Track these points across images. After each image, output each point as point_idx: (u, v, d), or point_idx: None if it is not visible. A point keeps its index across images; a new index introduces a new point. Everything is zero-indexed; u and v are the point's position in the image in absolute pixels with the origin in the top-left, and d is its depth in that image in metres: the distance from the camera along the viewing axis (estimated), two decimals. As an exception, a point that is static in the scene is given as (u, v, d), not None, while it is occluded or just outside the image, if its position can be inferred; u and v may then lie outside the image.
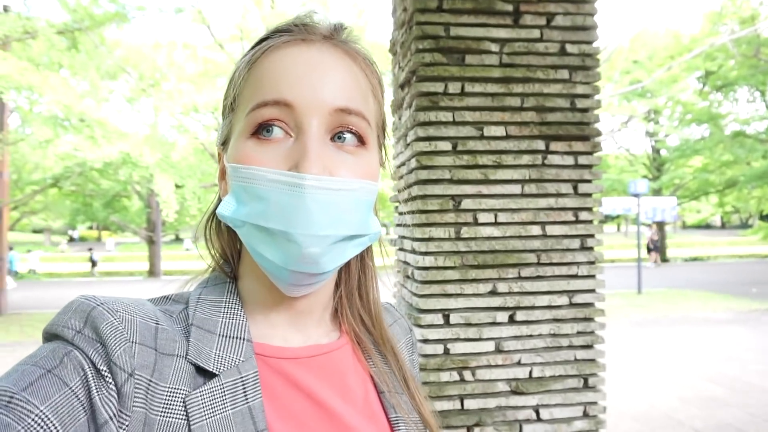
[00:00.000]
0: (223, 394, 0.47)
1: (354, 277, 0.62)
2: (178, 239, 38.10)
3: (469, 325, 2.03)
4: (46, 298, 13.27)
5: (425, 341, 2.02)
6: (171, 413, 0.45)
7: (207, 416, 0.46)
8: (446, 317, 2.03)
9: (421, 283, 2.03)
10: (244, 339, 0.51)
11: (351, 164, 0.49)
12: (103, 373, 0.43)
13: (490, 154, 2.05)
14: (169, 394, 0.46)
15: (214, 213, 0.59)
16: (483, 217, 2.04)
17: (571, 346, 2.09)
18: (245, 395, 0.48)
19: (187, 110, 9.75)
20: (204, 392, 0.47)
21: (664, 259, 21.56)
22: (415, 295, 2.07)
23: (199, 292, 0.54)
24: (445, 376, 2.00)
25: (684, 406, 4.83)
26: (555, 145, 2.08)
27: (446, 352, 2.02)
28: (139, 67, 11.64)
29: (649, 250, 19.70)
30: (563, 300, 2.08)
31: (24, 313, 10.87)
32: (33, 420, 0.39)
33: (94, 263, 19.59)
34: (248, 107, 0.49)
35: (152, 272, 19.36)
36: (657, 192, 19.64)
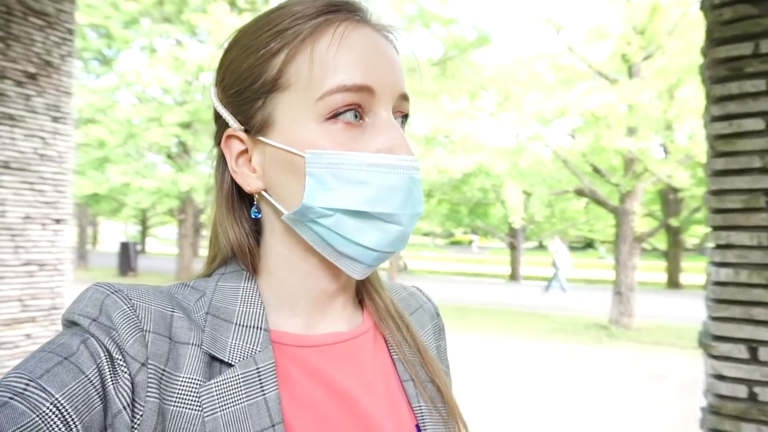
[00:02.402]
0: (239, 385, 0.46)
1: None
2: (541, 246, 39.08)
3: (792, 366, 1.47)
4: (426, 290, 15.67)
5: (719, 377, 1.56)
6: (185, 403, 0.44)
7: (221, 408, 0.45)
8: (752, 351, 1.53)
9: (715, 302, 1.59)
10: (261, 328, 0.49)
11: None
12: (118, 362, 0.43)
13: (831, 129, 1.44)
14: (183, 383, 0.45)
15: (230, 201, 0.54)
16: (818, 219, 1.45)
17: None
18: (261, 386, 0.47)
19: (535, 119, 9.98)
20: (219, 383, 0.46)
21: None
22: (710, 317, 1.63)
23: (217, 280, 0.52)
24: (748, 429, 1.50)
25: None
26: None
27: (752, 397, 1.51)
28: (498, 83, 12.59)
29: None
30: None
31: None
32: (48, 408, 0.38)
33: (405, 266, 21.91)
34: (321, 90, 0.46)
35: (513, 276, 20.47)
36: None
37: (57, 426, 0.38)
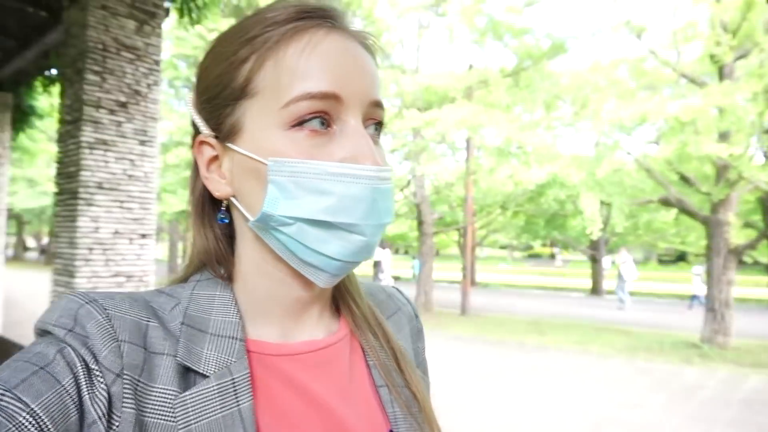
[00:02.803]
0: (213, 396, 0.46)
1: None
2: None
3: None
4: (501, 304, 15.34)
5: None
6: (159, 415, 0.44)
7: (196, 420, 0.44)
8: None
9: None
10: (236, 338, 0.49)
11: (381, 153, 0.51)
12: (94, 372, 0.42)
13: None
14: (157, 395, 0.45)
15: (200, 207, 0.55)
16: None
17: None
18: (236, 397, 0.46)
19: (615, 126, 9.52)
20: (193, 395, 0.45)
21: None
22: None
23: (192, 287, 0.52)
24: None
25: None
26: None
27: None
28: (575, 91, 12.17)
29: None
30: None
31: (481, 315, 12.90)
32: (24, 418, 0.38)
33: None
34: (286, 97, 0.46)
35: (595, 290, 19.51)
36: None
37: None
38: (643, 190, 10.16)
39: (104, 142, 4.73)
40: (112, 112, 4.78)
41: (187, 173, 15.65)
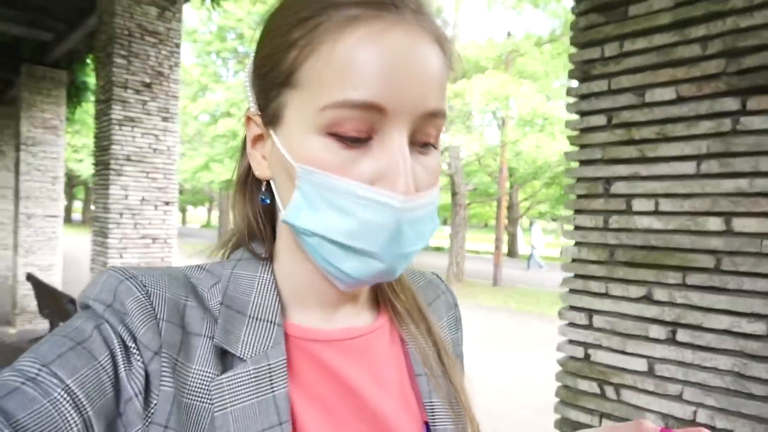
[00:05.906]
0: (249, 381, 0.45)
1: None
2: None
3: (614, 332, 1.66)
4: (537, 276, 15.46)
5: (569, 341, 1.80)
6: (195, 396, 0.44)
7: (231, 403, 0.44)
8: (590, 318, 1.73)
9: (566, 277, 1.82)
10: (274, 323, 0.48)
11: (429, 170, 0.46)
12: (131, 349, 0.42)
13: (651, 125, 1.59)
14: (194, 375, 0.44)
15: (243, 181, 0.54)
16: (639, 204, 1.62)
17: (777, 399, 1.38)
18: (271, 383, 0.46)
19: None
20: (230, 378, 0.45)
21: None
22: (563, 289, 1.85)
23: (233, 266, 0.51)
24: (583, 385, 1.73)
25: None
26: (756, 102, 1.40)
27: (587, 357, 1.73)
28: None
29: None
30: (758, 327, 1.39)
31: (515, 286, 13.14)
32: (59, 394, 0.38)
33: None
34: (326, 100, 0.42)
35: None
36: None
37: (68, 412, 0.38)
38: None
39: (131, 119, 5.39)
40: (137, 92, 5.42)
41: (234, 143, 16.51)
